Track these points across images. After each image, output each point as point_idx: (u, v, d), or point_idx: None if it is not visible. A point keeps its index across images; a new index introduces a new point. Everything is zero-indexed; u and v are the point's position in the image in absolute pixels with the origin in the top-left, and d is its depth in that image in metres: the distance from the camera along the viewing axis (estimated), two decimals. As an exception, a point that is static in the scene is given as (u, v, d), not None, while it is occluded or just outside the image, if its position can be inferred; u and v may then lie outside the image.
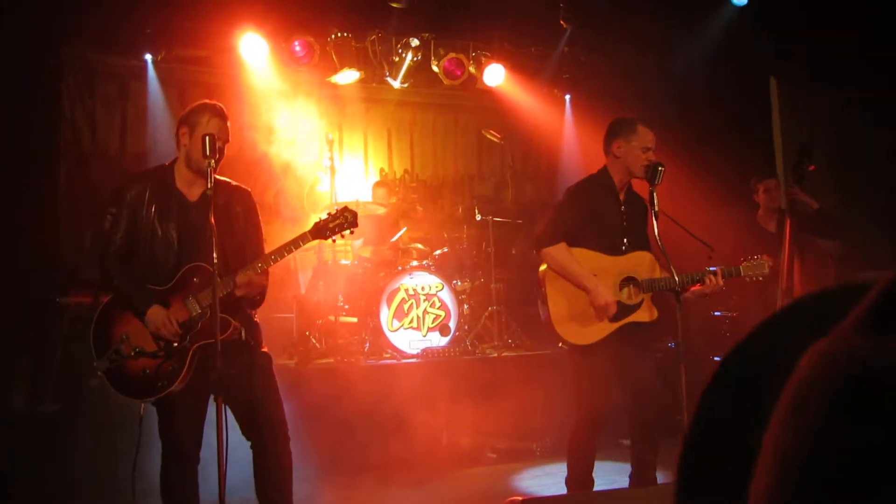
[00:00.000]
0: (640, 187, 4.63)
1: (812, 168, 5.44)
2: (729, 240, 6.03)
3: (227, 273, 3.94)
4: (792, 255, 5.48)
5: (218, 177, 4.00)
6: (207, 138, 3.80)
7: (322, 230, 4.14)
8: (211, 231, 3.72)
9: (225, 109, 4.15)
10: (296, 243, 4.07)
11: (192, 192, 4.11)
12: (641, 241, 4.53)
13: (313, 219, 9.32)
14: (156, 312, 3.89)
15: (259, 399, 4.02)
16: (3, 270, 6.68)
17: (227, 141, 4.12)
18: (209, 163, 3.80)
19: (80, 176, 8.13)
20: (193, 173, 4.08)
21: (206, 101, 4.18)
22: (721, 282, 4.46)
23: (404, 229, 8.15)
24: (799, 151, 5.51)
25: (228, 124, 4.15)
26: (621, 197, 4.71)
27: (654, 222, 4.28)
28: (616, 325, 4.58)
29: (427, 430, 6.23)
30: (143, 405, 3.94)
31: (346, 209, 4.20)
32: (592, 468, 4.67)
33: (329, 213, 4.20)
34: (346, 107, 9.56)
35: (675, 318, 4.32)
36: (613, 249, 4.64)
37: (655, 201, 4.33)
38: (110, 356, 3.92)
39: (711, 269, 4.49)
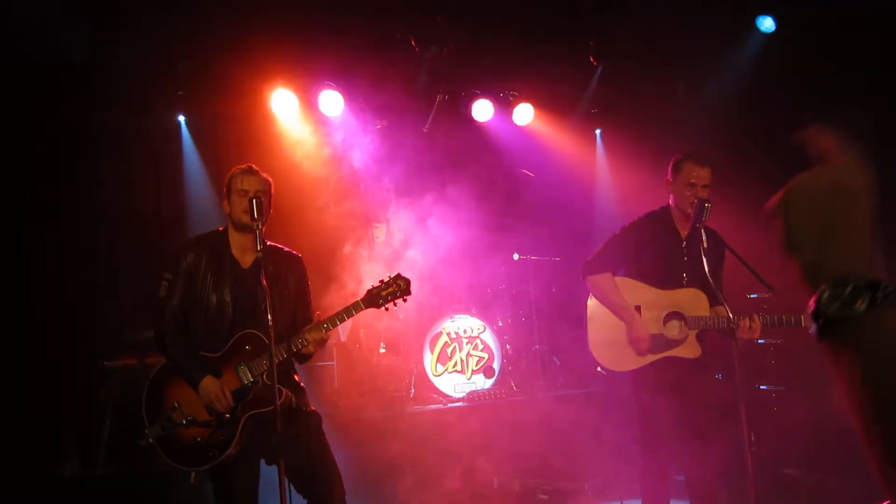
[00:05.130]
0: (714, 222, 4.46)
1: None
2: (777, 268, 5.90)
3: (280, 341, 3.92)
4: None
5: (270, 242, 4.01)
6: (254, 201, 3.79)
7: (375, 298, 4.11)
8: (264, 296, 3.68)
9: (254, 166, 4.18)
10: (348, 312, 4.06)
11: (245, 259, 4.13)
12: (705, 276, 4.26)
13: (366, 271, 9.38)
14: (209, 384, 3.88)
15: (315, 459, 4.00)
16: (48, 338, 6.75)
17: (269, 193, 4.15)
18: (257, 225, 3.78)
19: (117, 239, 8.18)
20: (244, 236, 4.09)
21: (234, 167, 4.21)
22: (757, 332, 4.35)
23: None
24: None
25: (265, 176, 4.17)
26: (683, 233, 4.68)
27: (704, 259, 4.20)
28: (653, 358, 4.54)
29: (478, 473, 6.16)
30: (192, 473, 3.92)
31: (399, 276, 4.16)
32: None
33: (381, 281, 4.16)
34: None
35: (731, 354, 4.21)
36: (669, 283, 4.61)
37: (704, 238, 4.24)
38: (162, 423, 3.92)
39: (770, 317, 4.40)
